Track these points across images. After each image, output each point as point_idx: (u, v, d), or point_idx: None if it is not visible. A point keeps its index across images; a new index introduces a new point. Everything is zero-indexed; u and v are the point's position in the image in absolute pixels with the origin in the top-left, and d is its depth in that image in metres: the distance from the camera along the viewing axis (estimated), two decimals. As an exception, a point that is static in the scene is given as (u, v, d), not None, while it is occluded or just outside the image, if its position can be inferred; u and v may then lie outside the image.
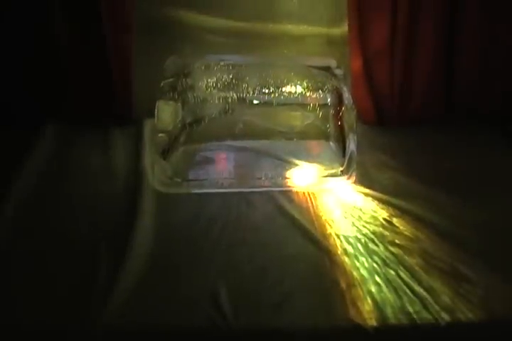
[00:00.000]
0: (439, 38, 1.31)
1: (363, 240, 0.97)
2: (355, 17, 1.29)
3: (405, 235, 0.98)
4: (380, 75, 1.34)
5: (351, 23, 1.30)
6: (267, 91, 1.19)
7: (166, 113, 1.14)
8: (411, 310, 0.81)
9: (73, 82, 1.32)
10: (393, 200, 1.08)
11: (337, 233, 0.99)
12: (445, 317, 0.80)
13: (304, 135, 1.23)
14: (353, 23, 1.30)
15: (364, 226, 1.01)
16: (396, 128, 1.37)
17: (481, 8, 1.27)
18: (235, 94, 1.17)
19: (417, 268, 0.89)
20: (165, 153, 1.14)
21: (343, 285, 0.86)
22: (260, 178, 1.16)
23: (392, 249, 0.94)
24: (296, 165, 1.19)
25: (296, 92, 1.21)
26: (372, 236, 0.98)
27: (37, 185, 1.13)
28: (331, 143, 1.23)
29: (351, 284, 0.86)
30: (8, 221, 1.02)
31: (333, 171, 1.16)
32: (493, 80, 1.37)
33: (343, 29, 1.37)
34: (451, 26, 1.29)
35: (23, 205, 1.07)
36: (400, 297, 0.83)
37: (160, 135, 1.13)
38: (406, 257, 0.92)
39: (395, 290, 0.85)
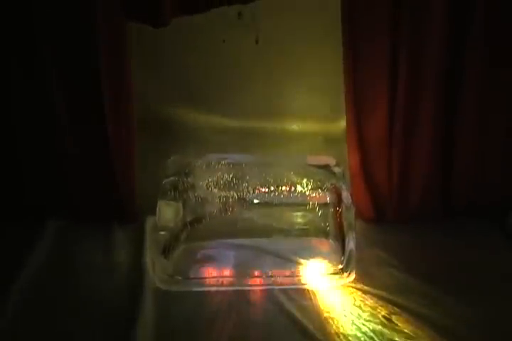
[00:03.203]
0: (437, 137, 1.33)
1: (362, 338, 0.96)
2: (353, 118, 1.32)
3: (405, 333, 0.97)
4: (378, 172, 1.36)
5: (349, 124, 1.33)
6: (266, 190, 1.22)
7: (167, 211, 1.16)
8: None
9: (75, 180, 1.33)
10: (392, 297, 1.08)
11: (337, 331, 0.99)
12: None
13: (303, 233, 1.24)
14: (351, 123, 1.33)
15: (363, 324, 1.00)
16: (395, 225, 1.37)
17: (477, 102, 1.30)
18: (235, 194, 1.20)
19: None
20: (166, 250, 1.15)
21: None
22: (260, 276, 1.16)
23: (392, 346, 0.94)
24: (296, 263, 1.19)
25: (295, 191, 1.23)
26: (371, 334, 0.97)
27: (37, 281, 1.14)
28: (331, 241, 1.24)
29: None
30: (8, 317, 1.02)
31: (332, 269, 1.17)
32: (492, 175, 1.38)
33: (341, 127, 1.41)
34: (448, 124, 1.32)
35: (23, 302, 1.07)
36: None
37: (161, 233, 1.15)
38: (406, 355, 0.91)
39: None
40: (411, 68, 1.24)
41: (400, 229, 1.36)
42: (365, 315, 1.03)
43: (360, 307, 1.06)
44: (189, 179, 1.20)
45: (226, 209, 1.20)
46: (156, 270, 1.15)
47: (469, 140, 1.33)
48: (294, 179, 1.24)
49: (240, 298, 1.10)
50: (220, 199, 1.20)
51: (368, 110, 1.31)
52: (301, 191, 1.23)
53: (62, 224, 1.35)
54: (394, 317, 1.02)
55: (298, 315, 1.04)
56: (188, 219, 1.22)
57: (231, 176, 1.21)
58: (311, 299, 1.10)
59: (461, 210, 1.40)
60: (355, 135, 1.33)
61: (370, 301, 1.08)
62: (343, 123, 1.38)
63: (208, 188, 1.20)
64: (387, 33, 1.22)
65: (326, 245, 1.24)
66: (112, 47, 1.22)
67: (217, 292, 1.13)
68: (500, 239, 1.32)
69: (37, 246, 1.25)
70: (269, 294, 1.12)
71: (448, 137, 1.33)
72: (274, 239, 1.23)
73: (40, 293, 1.11)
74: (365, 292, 1.11)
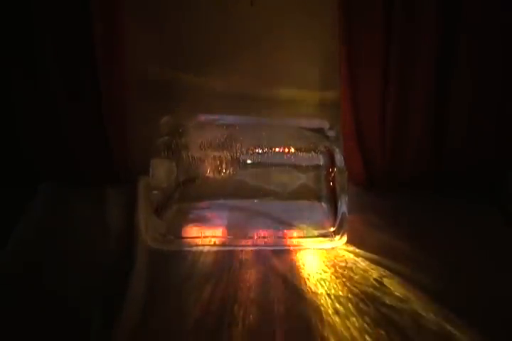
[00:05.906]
0: (430, 104, 1.32)
1: (353, 300, 0.97)
2: (347, 82, 1.31)
3: (395, 295, 0.98)
4: (371, 139, 1.36)
5: (343, 88, 1.32)
6: (260, 151, 1.21)
7: (161, 171, 1.16)
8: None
9: (67, 142, 1.33)
10: (384, 261, 1.09)
11: (328, 293, 0.99)
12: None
13: (295, 195, 1.24)
14: (346, 87, 1.32)
15: (355, 286, 1.01)
16: (387, 190, 1.38)
17: (471, 76, 1.29)
18: (228, 154, 1.19)
19: (407, 328, 0.89)
20: (159, 210, 1.15)
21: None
22: (252, 237, 1.16)
23: (382, 309, 0.94)
24: (288, 224, 1.20)
25: (288, 153, 1.22)
26: (363, 296, 0.98)
27: (29, 243, 1.14)
28: (323, 204, 1.24)
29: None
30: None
31: (324, 231, 1.17)
32: (484, 147, 1.37)
33: (336, 92, 1.40)
34: (442, 93, 1.31)
35: (15, 262, 1.07)
36: (390, 357, 0.83)
37: (154, 192, 1.15)
38: (396, 317, 0.92)
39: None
40: (405, 33, 1.24)
41: (392, 194, 1.37)
42: (357, 278, 1.04)
43: (351, 269, 1.07)
44: (183, 139, 1.19)
45: (219, 170, 1.20)
46: (148, 229, 1.16)
47: (464, 102, 1.32)
48: (288, 141, 1.23)
49: (231, 258, 1.11)
50: (213, 160, 1.20)
51: (363, 79, 1.30)
52: (294, 153, 1.22)
53: (55, 185, 1.35)
54: (385, 280, 1.03)
55: (289, 276, 1.05)
56: (181, 179, 1.21)
57: (224, 137, 1.20)
58: (302, 260, 1.11)
59: (454, 179, 1.40)
60: (350, 100, 1.32)
61: (361, 264, 1.09)
62: (338, 89, 1.36)
63: (201, 148, 1.19)
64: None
65: (318, 207, 1.24)
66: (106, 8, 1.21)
67: (209, 252, 1.13)
68: (490, 205, 1.33)
69: (30, 207, 1.25)
70: (261, 255, 1.12)
71: (442, 100, 1.32)
72: (267, 201, 1.23)
73: (32, 255, 1.11)
74: (356, 255, 1.12)
